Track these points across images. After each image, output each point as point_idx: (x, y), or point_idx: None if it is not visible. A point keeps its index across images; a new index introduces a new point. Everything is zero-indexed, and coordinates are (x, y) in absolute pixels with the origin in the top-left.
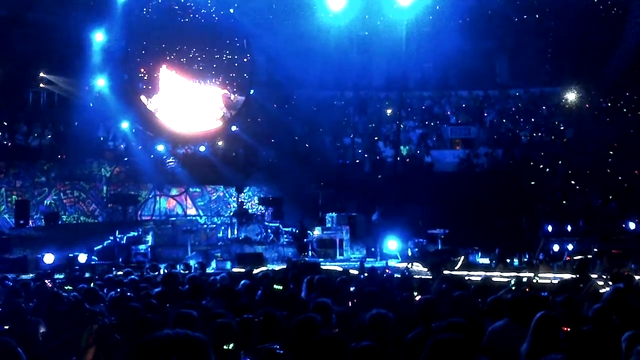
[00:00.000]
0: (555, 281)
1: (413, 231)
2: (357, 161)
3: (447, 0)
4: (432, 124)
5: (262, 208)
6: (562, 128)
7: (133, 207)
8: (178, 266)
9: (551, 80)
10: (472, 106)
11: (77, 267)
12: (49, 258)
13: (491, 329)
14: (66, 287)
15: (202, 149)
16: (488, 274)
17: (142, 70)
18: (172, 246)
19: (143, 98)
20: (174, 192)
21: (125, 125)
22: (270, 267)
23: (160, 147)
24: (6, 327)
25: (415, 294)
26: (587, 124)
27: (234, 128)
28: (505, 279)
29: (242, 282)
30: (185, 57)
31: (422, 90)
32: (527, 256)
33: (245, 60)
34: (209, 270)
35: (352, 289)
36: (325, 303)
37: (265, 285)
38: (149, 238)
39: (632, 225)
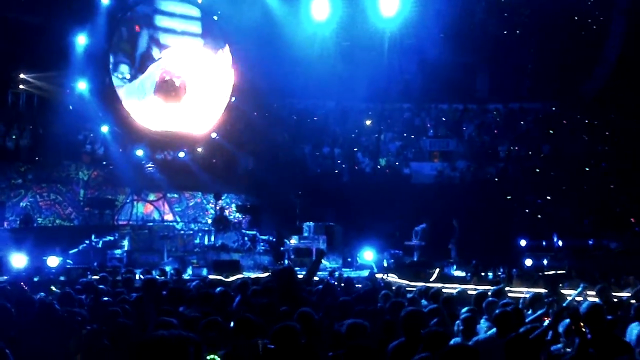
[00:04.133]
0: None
1: (389, 242)
2: (336, 171)
3: (430, 13)
4: (411, 136)
5: (240, 215)
6: (539, 143)
7: (110, 212)
8: (154, 272)
9: (530, 96)
10: (451, 119)
11: (53, 271)
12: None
13: (475, 340)
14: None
15: (181, 155)
16: (463, 286)
17: None
18: (148, 251)
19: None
20: (151, 197)
21: (104, 129)
22: (246, 274)
23: (140, 152)
24: None
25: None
26: (564, 140)
27: (213, 135)
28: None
29: (218, 289)
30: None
31: (403, 102)
32: (502, 270)
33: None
34: (185, 276)
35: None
36: (307, 313)
37: (244, 293)
38: (125, 243)
39: (606, 242)
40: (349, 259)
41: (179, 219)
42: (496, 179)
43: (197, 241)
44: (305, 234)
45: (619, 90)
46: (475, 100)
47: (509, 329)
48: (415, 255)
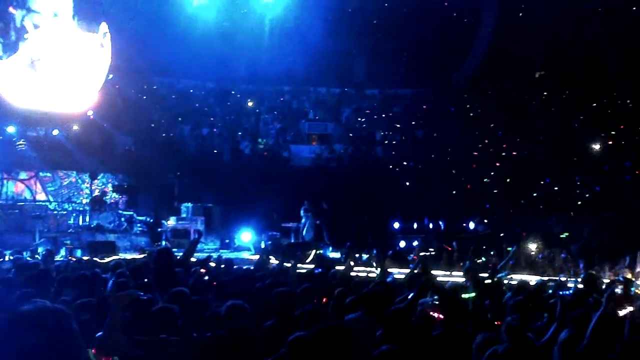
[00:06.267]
0: (402, 276)
1: (267, 224)
2: (215, 152)
3: None
4: (290, 118)
5: (116, 196)
6: (413, 129)
7: None
8: (25, 253)
9: (405, 82)
10: (329, 103)
11: None
12: None
13: (347, 319)
14: None
15: (55, 132)
16: (337, 268)
17: None
18: (19, 232)
19: None
20: (23, 175)
21: None
22: (122, 256)
23: (11, 129)
24: None
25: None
26: (436, 126)
27: (90, 113)
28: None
29: (91, 271)
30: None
31: (283, 85)
32: (375, 251)
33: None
34: (57, 258)
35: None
36: (183, 293)
37: (117, 275)
38: None
39: (472, 225)
40: (227, 241)
41: (52, 199)
42: (372, 163)
43: (71, 222)
44: (184, 215)
45: (489, 79)
46: (353, 85)
47: (376, 307)
48: (292, 236)
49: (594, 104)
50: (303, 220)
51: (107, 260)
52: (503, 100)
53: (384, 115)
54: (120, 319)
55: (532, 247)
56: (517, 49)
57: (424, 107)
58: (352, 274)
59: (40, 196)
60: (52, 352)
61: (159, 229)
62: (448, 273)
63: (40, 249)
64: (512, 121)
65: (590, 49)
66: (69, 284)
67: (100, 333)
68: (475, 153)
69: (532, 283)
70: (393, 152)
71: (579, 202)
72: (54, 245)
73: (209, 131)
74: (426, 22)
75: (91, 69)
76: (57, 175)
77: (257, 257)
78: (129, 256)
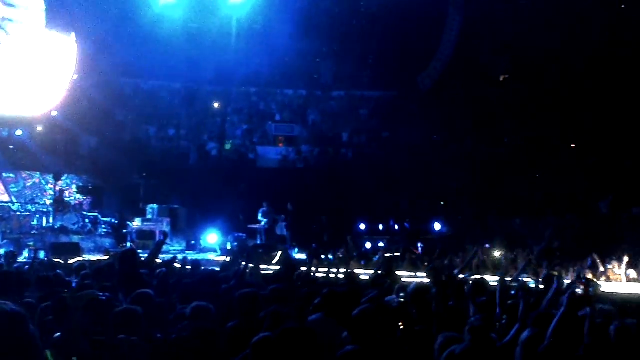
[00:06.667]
0: (367, 277)
1: (233, 225)
2: (182, 153)
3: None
4: (257, 120)
5: (81, 197)
6: (379, 131)
7: None
8: None
9: (371, 85)
10: (295, 105)
11: None
12: None
13: (309, 320)
14: None
15: (18, 132)
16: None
17: None
18: None
19: None
20: None
21: None
22: (87, 257)
23: None
24: None
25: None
26: (402, 128)
27: (54, 113)
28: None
29: (54, 272)
30: None
31: (249, 87)
32: (341, 252)
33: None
34: (20, 259)
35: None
36: (147, 293)
37: (82, 277)
38: None
39: (437, 226)
40: (193, 242)
41: (15, 200)
42: (338, 164)
43: (35, 223)
44: (149, 217)
45: (454, 82)
46: (320, 87)
47: (336, 308)
48: (258, 238)
49: (557, 108)
50: (262, 223)
51: (71, 261)
52: (467, 103)
53: (350, 117)
54: (79, 319)
55: (496, 248)
56: (481, 53)
57: (390, 109)
58: (318, 275)
59: (3, 197)
60: (9, 352)
61: (124, 231)
62: (413, 274)
63: (1, 251)
64: (476, 124)
65: (554, 53)
66: (30, 285)
67: (58, 334)
68: (440, 155)
69: (493, 283)
70: (359, 154)
71: (542, 204)
72: (17, 247)
73: (175, 132)
74: (392, 25)
75: (56, 70)
76: (21, 176)
77: (223, 258)
78: (93, 258)
